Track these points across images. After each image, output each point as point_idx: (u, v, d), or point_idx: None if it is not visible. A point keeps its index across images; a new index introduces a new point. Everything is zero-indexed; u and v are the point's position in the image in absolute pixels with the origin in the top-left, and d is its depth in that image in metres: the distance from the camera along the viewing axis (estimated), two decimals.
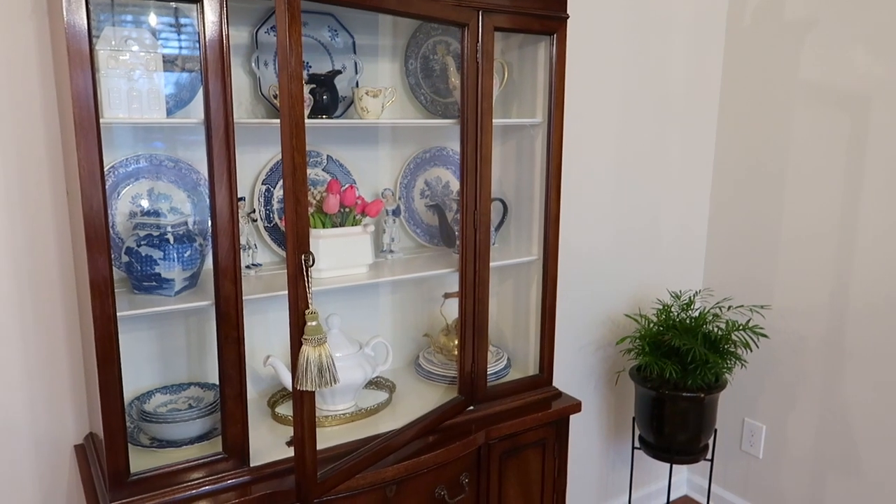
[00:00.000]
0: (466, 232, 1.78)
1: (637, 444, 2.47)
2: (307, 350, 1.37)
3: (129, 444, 1.43)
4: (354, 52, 1.90)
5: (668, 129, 2.59)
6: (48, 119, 1.59)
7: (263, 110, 1.81)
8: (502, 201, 2.08)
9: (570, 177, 2.21)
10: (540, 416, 1.93)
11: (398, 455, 1.68)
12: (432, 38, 1.98)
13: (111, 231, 1.44)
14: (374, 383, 1.97)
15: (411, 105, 2.03)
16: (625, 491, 2.76)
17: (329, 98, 1.75)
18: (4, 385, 1.63)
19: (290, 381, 1.60)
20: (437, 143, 2.09)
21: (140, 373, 1.74)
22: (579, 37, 2.17)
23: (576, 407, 2.00)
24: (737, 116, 2.65)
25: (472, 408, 1.89)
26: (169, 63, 1.60)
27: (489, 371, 1.93)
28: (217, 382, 1.55)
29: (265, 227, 1.85)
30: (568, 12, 1.85)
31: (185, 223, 1.61)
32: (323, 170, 1.91)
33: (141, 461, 1.49)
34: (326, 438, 1.64)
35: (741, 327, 2.29)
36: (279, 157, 1.84)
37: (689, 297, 2.42)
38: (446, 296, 2.04)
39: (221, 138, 1.41)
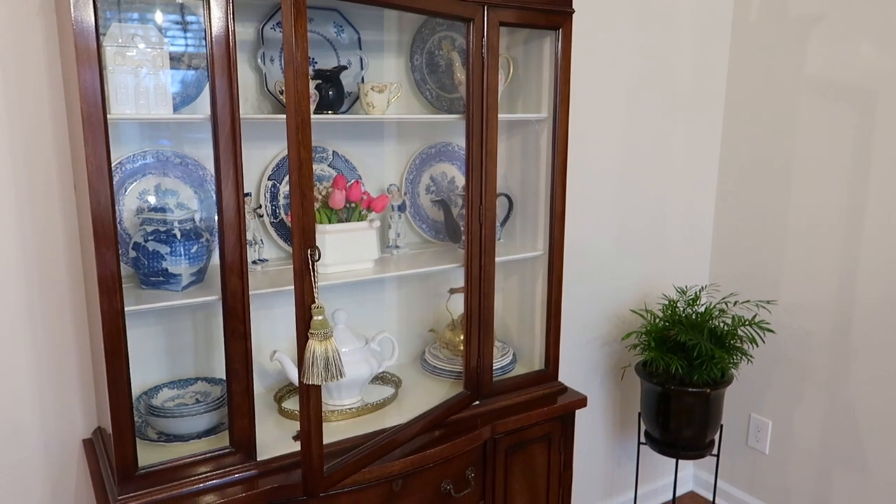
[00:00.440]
0: (472, 227, 1.79)
1: (643, 439, 2.47)
2: (313, 344, 1.37)
3: (136, 439, 1.44)
4: (360, 48, 1.91)
5: (674, 124, 2.59)
6: (56, 115, 1.60)
7: (269, 106, 1.81)
8: (507, 196, 2.08)
9: (575, 172, 2.21)
10: (546, 410, 1.93)
11: (404, 449, 1.68)
12: (437, 33, 1.98)
13: (118, 226, 1.45)
14: (380, 378, 1.98)
15: (416, 101, 2.03)
16: (630, 486, 2.76)
17: (335, 93, 1.75)
18: (14, 380, 1.64)
19: (297, 375, 1.61)
20: (443, 138, 2.10)
21: (147, 368, 1.75)
22: (584, 32, 2.17)
23: (581, 402, 2.00)
24: (742, 111, 2.64)
25: (477, 403, 1.90)
26: (175, 60, 1.61)
27: (495, 366, 1.93)
28: (223, 377, 1.56)
29: (271, 223, 1.86)
30: (573, 7, 1.84)
31: (192, 219, 1.62)
32: (329, 165, 1.92)
33: (149, 455, 1.50)
34: (332, 433, 1.65)
35: (747, 323, 2.29)
36: (285, 152, 1.84)
37: (695, 293, 2.42)
38: (452, 291, 2.04)
39: (228, 134, 1.42)
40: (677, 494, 2.82)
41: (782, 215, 2.54)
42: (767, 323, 2.30)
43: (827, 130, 2.38)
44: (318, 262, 1.36)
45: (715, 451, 2.40)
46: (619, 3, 2.34)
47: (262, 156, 1.84)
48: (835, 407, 2.45)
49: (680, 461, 2.51)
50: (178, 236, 1.55)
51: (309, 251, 1.35)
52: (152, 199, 1.68)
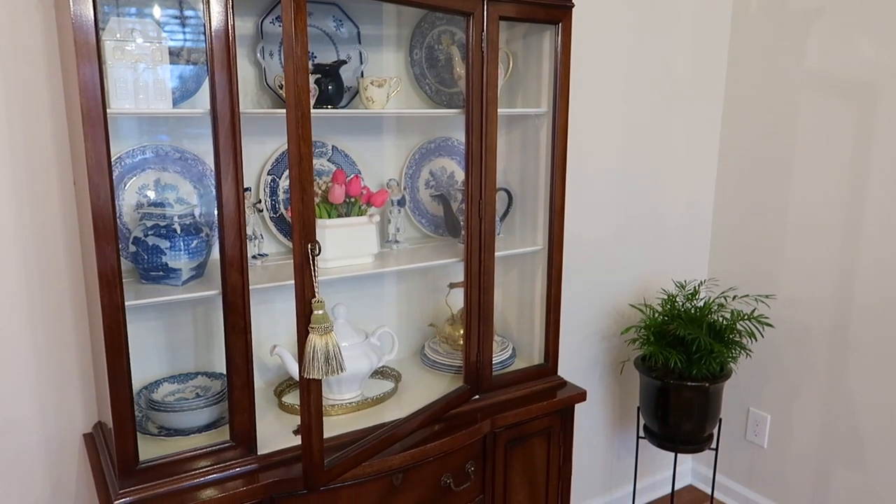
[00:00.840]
0: (472, 222, 1.79)
1: (642, 433, 2.47)
2: (314, 339, 1.37)
3: (137, 433, 1.45)
4: (359, 42, 1.90)
5: (673, 119, 2.59)
6: (55, 110, 1.60)
7: (269, 101, 1.81)
8: (507, 191, 2.08)
9: (574, 166, 2.21)
10: (545, 404, 1.94)
11: (404, 443, 1.69)
12: (437, 27, 1.98)
13: (118, 221, 1.44)
14: (380, 373, 1.98)
15: (416, 95, 2.03)
16: (629, 480, 2.77)
17: (334, 88, 1.75)
18: (14, 375, 1.65)
19: (297, 369, 1.61)
20: (442, 133, 2.10)
21: (147, 362, 1.75)
22: (584, 26, 2.16)
23: (581, 396, 2.01)
24: (742, 106, 2.64)
25: (477, 397, 1.90)
26: (174, 54, 1.61)
27: (494, 360, 1.94)
28: (223, 372, 1.56)
29: (271, 218, 1.86)
30: (573, 1, 1.84)
31: (192, 213, 1.62)
32: (328, 160, 1.91)
33: (149, 449, 1.50)
34: (333, 427, 1.65)
35: (746, 317, 2.29)
36: (284, 147, 1.85)
37: (694, 287, 2.43)
38: (451, 286, 2.04)
39: (227, 129, 1.42)
40: (676, 488, 2.83)
41: (781, 210, 2.55)
42: (766, 317, 2.31)
43: (826, 125, 2.38)
44: (318, 257, 1.36)
45: (714, 446, 2.41)
46: None
47: (261, 150, 1.83)
48: (833, 401, 2.46)
49: (679, 455, 2.52)
50: (178, 231, 1.55)
51: (309, 246, 1.35)
52: (152, 194, 1.68)
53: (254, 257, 1.78)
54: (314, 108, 1.68)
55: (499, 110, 1.77)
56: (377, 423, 1.72)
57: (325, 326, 1.38)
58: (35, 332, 1.65)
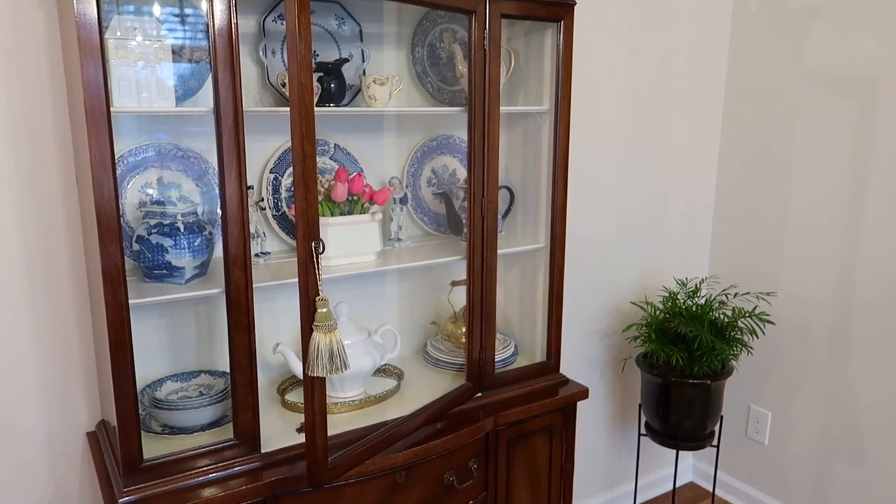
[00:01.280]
0: (474, 220, 1.79)
1: (643, 430, 2.48)
2: (318, 337, 1.38)
3: (141, 431, 1.45)
4: (361, 41, 1.90)
5: (674, 117, 2.59)
6: (57, 108, 1.60)
7: (271, 99, 1.81)
8: (509, 189, 2.08)
9: (575, 164, 2.21)
10: (547, 402, 1.94)
11: (407, 441, 1.69)
12: (439, 25, 1.98)
13: (121, 220, 1.44)
14: (383, 370, 1.99)
15: (418, 93, 2.03)
16: (631, 477, 2.78)
17: (336, 86, 1.75)
18: (17, 373, 1.65)
19: (300, 368, 1.61)
20: (444, 131, 2.10)
21: (150, 360, 1.75)
22: (585, 23, 2.16)
23: (583, 394, 2.01)
24: (742, 103, 2.64)
25: (479, 395, 1.91)
26: (177, 53, 1.61)
27: (497, 358, 1.94)
28: (226, 370, 1.56)
29: (273, 216, 1.86)
30: None
31: (195, 212, 1.62)
32: (330, 158, 1.91)
33: (153, 447, 1.50)
34: (336, 425, 1.65)
35: (747, 314, 2.30)
36: (287, 145, 1.85)
37: (696, 285, 2.43)
38: (454, 283, 2.04)
39: (231, 127, 1.42)
40: (677, 485, 2.83)
41: (782, 207, 2.55)
42: (767, 315, 2.31)
43: (827, 122, 2.38)
44: (321, 255, 1.36)
45: (715, 443, 2.42)
46: None
47: (263, 149, 1.83)
48: (834, 398, 2.47)
49: (680, 452, 2.52)
50: (182, 229, 1.55)
51: (313, 244, 1.35)
52: (154, 193, 1.68)
53: (256, 255, 1.78)
54: (316, 106, 1.67)
55: (500, 108, 1.77)
56: (380, 420, 1.72)
57: (329, 324, 1.39)
58: (38, 331, 1.65)
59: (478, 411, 1.85)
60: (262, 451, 1.58)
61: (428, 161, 2.09)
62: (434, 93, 2.02)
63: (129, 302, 1.38)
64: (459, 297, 2.00)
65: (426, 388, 1.91)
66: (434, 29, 1.98)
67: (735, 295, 2.43)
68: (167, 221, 1.55)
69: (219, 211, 1.50)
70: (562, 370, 2.08)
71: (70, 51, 1.40)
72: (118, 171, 1.59)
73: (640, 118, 2.50)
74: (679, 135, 2.62)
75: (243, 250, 1.48)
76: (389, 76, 1.79)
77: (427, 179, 2.10)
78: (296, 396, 1.82)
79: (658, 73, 2.50)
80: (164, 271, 1.55)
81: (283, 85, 1.74)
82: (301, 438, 1.61)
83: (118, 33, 1.46)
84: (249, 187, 1.74)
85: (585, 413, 2.54)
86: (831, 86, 2.36)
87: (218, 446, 1.53)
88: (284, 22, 1.77)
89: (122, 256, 1.35)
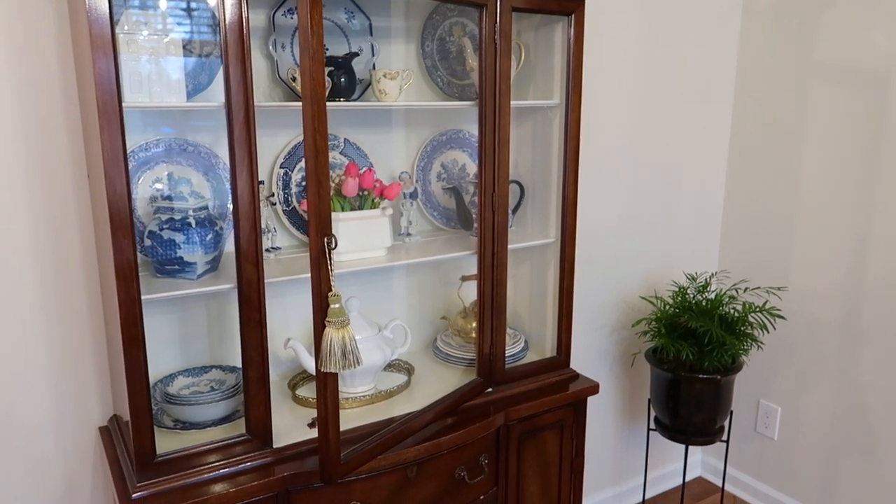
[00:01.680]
0: (484, 214, 1.78)
1: (652, 425, 2.47)
2: (331, 332, 1.37)
3: (153, 426, 1.45)
4: (371, 35, 1.89)
5: (684, 110, 2.58)
6: (68, 104, 1.60)
7: (281, 93, 1.81)
8: (519, 184, 2.07)
9: (584, 158, 2.20)
10: (558, 397, 1.94)
11: (418, 436, 1.69)
12: (448, 19, 1.97)
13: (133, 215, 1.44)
14: (393, 366, 1.99)
15: (428, 87, 2.02)
16: (640, 472, 2.77)
17: (346, 81, 1.75)
18: (29, 369, 1.65)
19: (311, 363, 1.61)
20: (454, 125, 2.09)
21: (162, 356, 1.75)
22: (594, 15, 2.14)
23: (593, 389, 2.01)
24: (753, 97, 2.63)
25: (490, 390, 1.90)
26: (187, 47, 1.60)
27: (507, 353, 1.94)
28: (238, 365, 1.57)
29: (283, 211, 1.86)
30: None
31: (206, 207, 1.61)
32: (340, 153, 1.91)
33: (165, 443, 1.50)
34: (346, 420, 1.65)
35: (758, 309, 2.29)
36: (296, 140, 1.84)
37: (705, 279, 2.42)
38: (464, 278, 2.04)
39: (242, 122, 1.41)
40: (686, 480, 2.83)
41: (793, 202, 2.54)
42: (778, 310, 2.30)
43: (838, 116, 2.37)
44: (334, 250, 1.36)
45: (725, 438, 2.41)
46: None
47: (273, 143, 1.83)
48: (844, 393, 2.46)
49: (689, 447, 2.51)
50: (193, 224, 1.55)
51: (326, 239, 1.34)
52: (165, 188, 1.68)
53: (267, 251, 1.77)
54: (327, 100, 1.67)
55: (511, 102, 1.76)
56: (390, 415, 1.72)
57: (342, 320, 1.38)
58: (50, 327, 1.66)
59: (488, 406, 1.85)
60: (274, 446, 1.58)
61: (438, 156, 2.09)
62: (444, 87, 2.01)
63: (142, 297, 1.38)
64: (469, 292, 1.99)
65: (436, 383, 1.91)
66: (444, 23, 1.97)
67: (745, 290, 2.42)
68: (178, 217, 1.55)
69: (229, 206, 1.50)
70: (571, 365, 2.07)
71: (81, 46, 1.40)
72: (129, 167, 1.59)
73: (650, 112, 2.49)
74: (689, 128, 2.61)
75: (255, 246, 1.47)
76: (399, 70, 1.79)
77: (437, 174, 2.09)
78: (306, 391, 1.82)
79: (668, 66, 2.49)
80: (176, 266, 1.55)
81: (293, 79, 1.73)
82: (312, 433, 1.61)
83: (127, 28, 1.46)
84: (260, 182, 1.74)
85: (594, 407, 2.54)
86: (842, 79, 2.34)
87: (230, 441, 1.53)
88: (295, 16, 1.77)
89: (134, 252, 1.35)
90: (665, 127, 2.54)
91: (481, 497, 1.84)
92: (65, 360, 1.69)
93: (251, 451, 1.55)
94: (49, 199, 1.61)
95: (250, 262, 1.48)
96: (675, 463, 2.89)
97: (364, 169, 1.84)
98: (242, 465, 1.53)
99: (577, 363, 2.16)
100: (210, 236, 1.57)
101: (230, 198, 1.46)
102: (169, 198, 1.65)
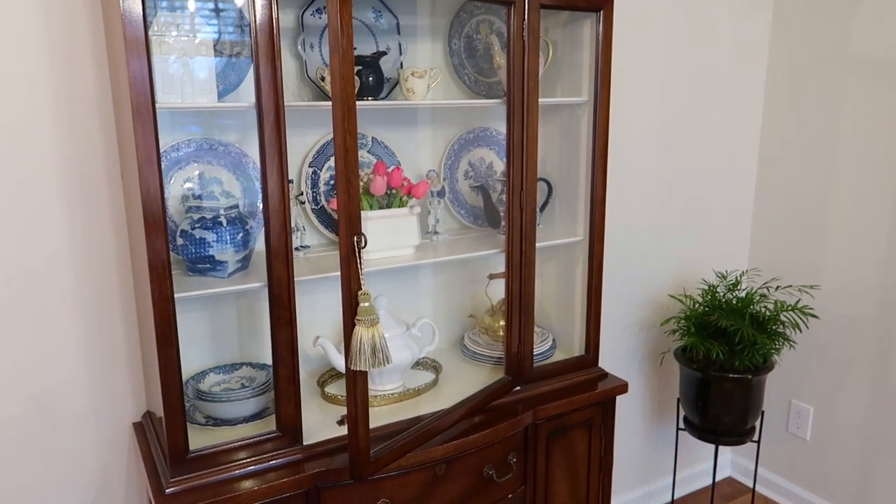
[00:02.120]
0: (512, 212, 1.78)
1: (681, 424, 2.45)
2: (360, 331, 1.38)
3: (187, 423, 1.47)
4: (398, 33, 1.90)
5: (713, 105, 2.54)
6: (102, 104, 1.62)
7: (310, 93, 1.82)
8: (547, 181, 2.06)
9: (612, 155, 2.18)
10: (586, 396, 1.93)
11: (447, 435, 1.69)
12: (475, 17, 1.96)
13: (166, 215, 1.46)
14: (421, 364, 1.99)
15: (455, 85, 2.02)
16: (668, 471, 2.75)
17: (374, 80, 1.75)
18: (66, 366, 1.68)
19: (340, 361, 1.62)
20: (481, 123, 2.08)
21: (194, 353, 1.77)
22: (623, 10, 2.13)
23: (622, 387, 1.99)
24: (784, 90, 2.58)
25: (518, 388, 1.90)
26: (217, 48, 1.62)
27: (535, 352, 1.93)
28: (268, 362, 1.58)
29: (312, 210, 1.87)
30: None
31: (237, 206, 1.63)
32: (368, 152, 1.92)
33: (198, 439, 1.52)
34: (375, 417, 1.65)
35: (790, 308, 2.25)
36: (325, 139, 1.85)
37: (736, 277, 2.39)
38: (491, 276, 2.04)
39: (272, 122, 1.42)
40: (715, 480, 2.79)
41: (825, 197, 2.49)
42: (811, 308, 2.26)
43: (872, 111, 2.31)
44: (363, 249, 1.37)
45: (756, 438, 2.38)
46: None
47: (302, 143, 1.84)
48: (879, 393, 2.41)
49: (718, 447, 2.48)
50: (224, 223, 1.57)
51: (355, 238, 1.35)
52: (197, 188, 1.70)
53: (296, 249, 1.79)
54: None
55: (539, 99, 1.75)
56: (418, 413, 1.73)
57: (372, 318, 1.39)
58: (86, 324, 1.69)
59: (517, 405, 1.85)
60: (304, 443, 1.59)
61: (465, 154, 2.08)
62: (471, 85, 2.00)
63: (175, 296, 1.40)
64: (497, 290, 1.99)
65: (464, 381, 1.91)
66: (471, 20, 1.97)
67: (777, 288, 2.38)
68: (210, 216, 1.57)
69: (259, 204, 1.51)
70: (599, 364, 2.06)
71: (115, 47, 1.42)
72: (162, 167, 1.61)
73: (680, 108, 2.46)
74: (719, 124, 2.57)
75: (285, 245, 1.48)
76: (427, 69, 1.79)
77: (464, 172, 2.09)
78: (335, 389, 1.83)
79: (698, 62, 2.45)
80: (208, 265, 1.57)
81: (322, 79, 1.74)
82: (341, 431, 1.62)
83: (163, 28, 1.47)
84: (289, 181, 1.75)
85: (623, 406, 2.52)
86: (877, 72, 2.29)
87: (261, 438, 1.55)
88: (323, 16, 1.78)
89: (167, 251, 1.37)
90: (695, 123, 2.51)
91: (509, 496, 1.84)
92: (100, 357, 1.72)
93: (281, 447, 1.56)
94: (84, 200, 1.64)
95: (280, 260, 1.49)
96: (704, 463, 2.86)
97: (392, 167, 1.84)
98: (273, 462, 1.54)
99: (605, 362, 2.14)
100: (240, 235, 1.58)
101: (260, 197, 1.47)
102: (200, 197, 1.67)
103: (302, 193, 1.84)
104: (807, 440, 2.66)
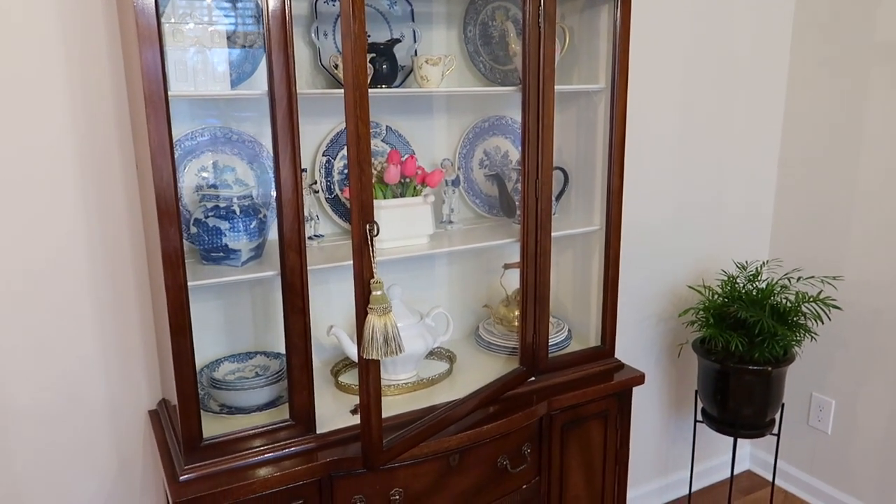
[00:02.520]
0: (528, 202, 1.76)
1: (699, 417, 2.42)
2: (373, 319, 1.37)
3: (200, 411, 1.47)
4: (413, 20, 1.88)
5: (734, 93, 2.49)
6: (117, 94, 1.63)
7: (323, 81, 1.81)
8: (563, 170, 2.04)
9: (630, 143, 2.15)
10: (602, 387, 1.91)
11: (460, 424, 1.69)
12: (491, 3, 1.94)
13: (179, 203, 1.47)
14: (435, 353, 1.98)
15: (470, 73, 2.00)
16: (686, 464, 2.72)
17: (388, 67, 1.74)
18: (82, 354, 1.70)
19: (354, 350, 1.62)
20: (496, 111, 2.06)
21: (208, 341, 1.78)
22: None
23: (639, 379, 1.97)
24: (807, 79, 2.53)
25: (533, 379, 1.88)
26: (231, 37, 1.61)
27: (550, 342, 1.91)
28: (282, 351, 1.58)
29: (326, 199, 1.87)
30: None
31: (250, 195, 1.63)
32: (382, 140, 1.91)
33: (212, 427, 1.53)
34: (389, 407, 1.65)
35: (812, 299, 2.21)
36: (339, 128, 1.85)
37: (756, 268, 2.35)
38: (506, 266, 2.02)
39: (285, 110, 1.42)
40: (734, 473, 2.76)
41: (849, 187, 2.43)
42: (833, 300, 2.22)
43: None
44: (376, 237, 1.36)
45: (776, 431, 2.34)
46: None
47: (316, 131, 1.84)
48: None
49: (737, 440, 2.45)
50: (238, 212, 1.57)
51: (368, 227, 1.34)
52: (211, 176, 1.70)
53: (310, 238, 1.79)
54: (369, 87, 1.67)
55: (555, 87, 1.73)
56: (432, 403, 1.72)
57: (384, 307, 1.38)
58: (102, 312, 1.70)
59: (531, 395, 1.83)
60: (318, 431, 1.59)
61: (480, 142, 2.06)
62: (486, 72, 1.98)
63: (188, 284, 1.40)
64: (512, 280, 1.97)
65: (478, 371, 1.90)
66: (486, 7, 1.94)
67: (798, 279, 2.34)
68: (223, 205, 1.57)
69: (273, 194, 1.50)
70: (616, 355, 2.04)
71: (128, 37, 1.42)
72: (176, 156, 1.61)
73: (700, 97, 2.42)
74: (740, 113, 2.52)
75: (298, 234, 1.48)
76: (441, 56, 1.77)
77: (479, 161, 2.07)
78: (349, 378, 1.83)
79: (718, 49, 2.41)
80: (221, 254, 1.57)
81: (336, 67, 1.73)
82: (355, 420, 1.62)
83: (176, 18, 1.47)
84: (303, 170, 1.75)
85: (640, 398, 2.50)
86: None
87: (274, 427, 1.55)
88: (337, 4, 1.76)
89: (181, 240, 1.37)
90: (715, 112, 2.47)
91: (524, 486, 1.83)
92: (115, 346, 1.73)
93: (295, 436, 1.56)
94: (100, 190, 1.65)
95: (293, 249, 1.48)
96: (722, 456, 2.83)
97: (406, 156, 1.83)
98: (286, 451, 1.55)
99: (622, 353, 2.12)
100: (254, 224, 1.58)
101: (273, 186, 1.47)
102: (214, 186, 1.67)
103: (316, 182, 1.84)
104: (828, 433, 2.62)
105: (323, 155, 1.85)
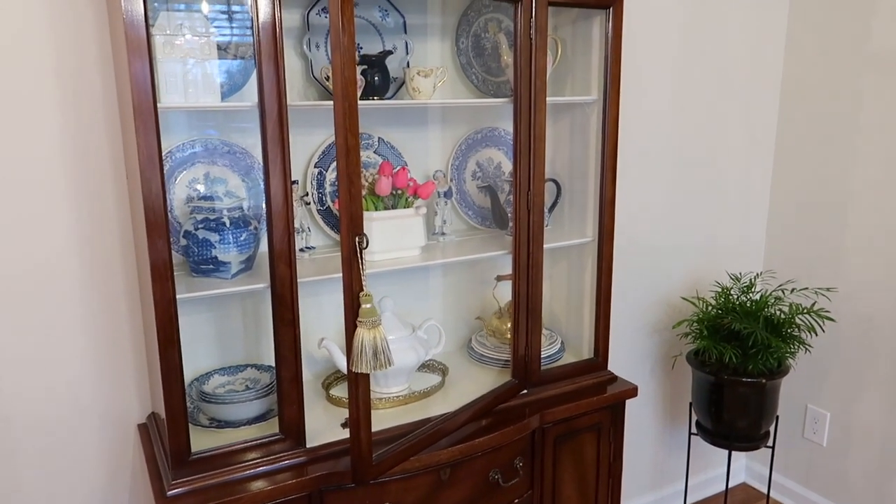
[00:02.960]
0: (520, 213, 1.75)
1: (694, 429, 2.41)
2: (362, 332, 1.36)
3: (189, 425, 1.46)
4: (405, 32, 1.88)
5: (728, 103, 2.50)
6: (108, 105, 1.62)
7: (315, 93, 1.80)
8: (555, 182, 2.03)
9: (623, 154, 2.15)
10: (595, 400, 1.90)
11: (452, 438, 1.67)
12: (483, 15, 1.94)
13: (169, 215, 1.46)
14: (427, 366, 1.97)
15: (462, 85, 2.00)
16: (680, 477, 2.71)
17: (380, 79, 1.74)
18: (71, 367, 1.68)
19: (345, 363, 1.60)
20: (489, 123, 2.06)
21: (198, 354, 1.77)
22: (634, 8, 2.09)
23: (632, 391, 1.96)
24: (801, 89, 2.53)
25: (525, 391, 1.87)
26: (222, 49, 1.61)
27: (543, 354, 1.90)
28: (272, 364, 1.57)
29: (318, 210, 1.86)
30: None
31: (241, 207, 1.62)
32: (374, 152, 1.90)
33: (201, 441, 1.52)
34: (380, 420, 1.64)
35: (806, 311, 2.20)
36: (331, 139, 1.84)
37: (750, 280, 2.34)
38: (499, 278, 2.01)
39: (275, 122, 1.41)
40: (729, 486, 2.75)
41: (843, 199, 2.44)
42: (827, 311, 2.21)
43: (892, 109, 2.26)
44: (365, 250, 1.35)
45: (770, 443, 2.33)
46: None
47: (308, 143, 1.83)
48: None
49: (732, 452, 2.44)
50: (228, 224, 1.56)
51: (357, 238, 1.33)
52: (201, 188, 1.69)
53: (301, 250, 1.78)
54: (360, 99, 1.66)
55: (547, 99, 1.73)
56: (424, 416, 1.71)
57: (373, 320, 1.37)
58: (92, 324, 1.69)
59: (523, 408, 1.82)
60: (308, 445, 1.58)
61: (472, 154, 2.06)
62: (479, 84, 1.98)
63: (177, 297, 1.39)
64: (505, 292, 1.96)
65: (471, 384, 1.89)
66: (479, 19, 1.95)
67: (792, 290, 2.33)
68: (214, 216, 1.56)
69: (264, 206, 1.50)
70: (609, 367, 2.03)
71: (118, 48, 1.41)
72: (166, 167, 1.61)
73: (693, 106, 2.42)
74: (733, 123, 2.53)
75: (288, 245, 1.47)
76: (433, 68, 1.77)
77: (472, 173, 2.07)
78: (340, 391, 1.82)
79: (711, 58, 2.41)
80: (211, 266, 1.56)
81: (327, 78, 1.73)
82: (345, 433, 1.61)
83: (167, 30, 1.47)
84: (294, 182, 1.74)
85: (634, 410, 2.48)
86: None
87: (264, 440, 1.54)
88: (328, 15, 1.76)
89: (169, 252, 1.36)
90: (708, 122, 2.47)
91: (516, 500, 1.81)
92: (105, 358, 1.72)
93: (284, 450, 1.55)
94: (90, 201, 1.64)
95: (283, 261, 1.48)
96: (717, 468, 2.81)
97: (398, 168, 1.82)
98: (276, 465, 1.53)
99: (615, 365, 2.11)
100: (244, 236, 1.57)
101: (264, 197, 1.46)
102: (204, 198, 1.66)
103: (307, 194, 1.83)
104: (823, 446, 2.61)
105: (315, 166, 1.84)
